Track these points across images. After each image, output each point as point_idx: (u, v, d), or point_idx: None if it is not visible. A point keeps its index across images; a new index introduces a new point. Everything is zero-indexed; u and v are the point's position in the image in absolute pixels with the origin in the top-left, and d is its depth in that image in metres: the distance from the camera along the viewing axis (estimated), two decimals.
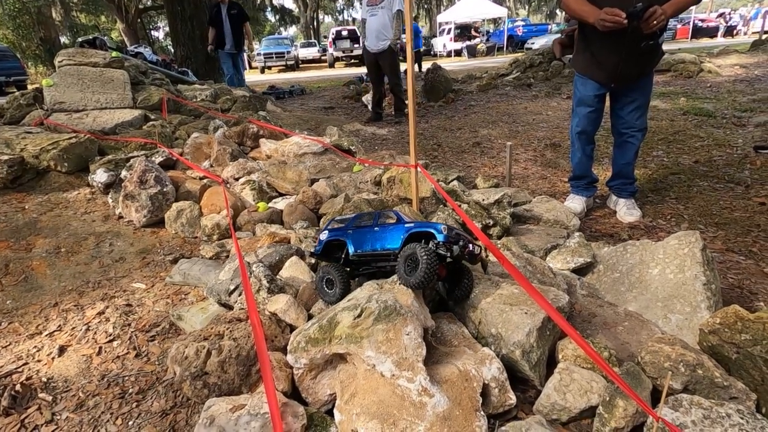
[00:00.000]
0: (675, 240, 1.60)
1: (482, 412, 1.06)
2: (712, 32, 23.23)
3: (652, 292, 1.55)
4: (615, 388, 1.03)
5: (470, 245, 1.34)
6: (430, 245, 1.30)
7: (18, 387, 1.45)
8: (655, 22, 1.96)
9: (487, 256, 1.82)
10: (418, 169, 2.05)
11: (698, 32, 23.07)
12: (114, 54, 4.28)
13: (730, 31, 23.60)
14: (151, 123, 3.90)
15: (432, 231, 1.32)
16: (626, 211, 2.61)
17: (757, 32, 16.85)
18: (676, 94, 6.09)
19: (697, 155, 3.60)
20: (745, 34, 22.96)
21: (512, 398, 1.13)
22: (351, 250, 1.49)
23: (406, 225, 1.40)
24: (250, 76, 18.11)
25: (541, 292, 1.27)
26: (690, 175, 3.20)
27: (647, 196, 2.92)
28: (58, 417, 1.36)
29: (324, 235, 1.61)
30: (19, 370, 1.56)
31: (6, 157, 2.84)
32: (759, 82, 6.55)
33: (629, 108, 2.43)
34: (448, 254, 1.29)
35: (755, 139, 3.78)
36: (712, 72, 7.44)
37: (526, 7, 43.49)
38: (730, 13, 26.44)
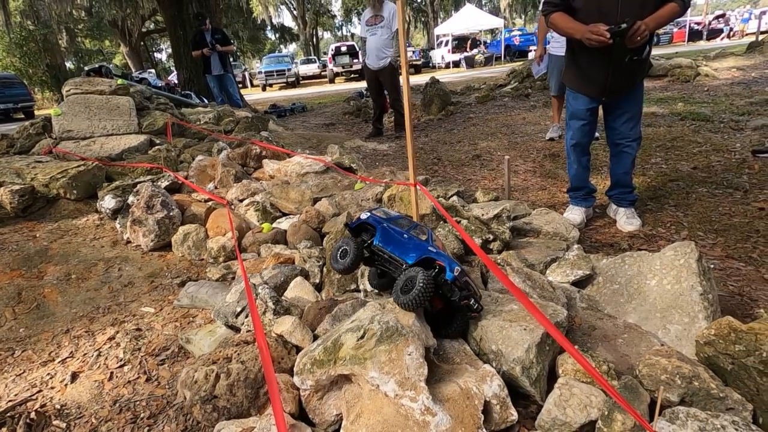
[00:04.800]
0: (671, 251, 1.63)
1: (484, 430, 1.09)
2: (716, 34, 23.14)
3: (651, 303, 1.58)
4: (613, 402, 1.06)
5: (471, 299, 1.35)
6: (438, 276, 1.34)
7: (33, 415, 1.49)
8: (638, 38, 2.01)
9: (487, 271, 1.85)
10: (418, 187, 2.09)
11: (700, 35, 23.05)
12: (119, 81, 4.40)
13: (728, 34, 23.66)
14: (156, 147, 3.99)
15: (445, 266, 1.34)
16: (626, 220, 2.64)
17: (752, 33, 16.92)
18: (674, 99, 6.13)
19: (696, 161, 3.62)
20: (738, 36, 23.01)
21: (514, 414, 1.15)
22: (376, 240, 1.56)
23: (429, 248, 1.43)
24: (252, 95, 18.39)
25: (539, 308, 1.30)
26: (689, 181, 3.23)
27: (646, 204, 2.95)
28: None
29: (364, 215, 1.68)
30: (34, 397, 1.60)
31: (17, 187, 2.93)
32: (756, 84, 6.59)
33: (622, 119, 2.48)
34: (448, 295, 1.33)
35: (753, 143, 3.80)
36: (709, 76, 7.49)
37: (523, 17, 43.97)
38: (725, 15, 26.48)
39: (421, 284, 1.25)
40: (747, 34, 21.32)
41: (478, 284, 1.77)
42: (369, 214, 1.67)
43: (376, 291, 1.77)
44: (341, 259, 1.57)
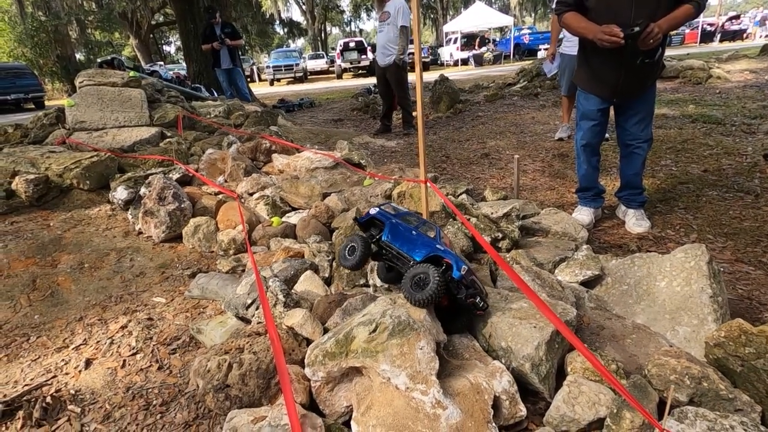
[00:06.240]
0: (681, 253, 1.64)
1: (494, 424, 1.10)
2: (734, 35, 22.75)
3: (660, 305, 1.58)
4: (622, 400, 1.07)
5: (477, 298, 1.37)
6: (445, 273, 1.35)
7: (48, 399, 1.53)
8: (651, 41, 2.00)
9: (496, 269, 1.86)
10: (428, 184, 2.10)
11: (712, 36, 22.74)
12: (131, 74, 4.43)
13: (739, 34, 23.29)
14: (167, 140, 4.02)
15: (452, 264, 1.36)
16: (635, 222, 2.64)
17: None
18: (685, 101, 6.08)
19: (706, 164, 3.60)
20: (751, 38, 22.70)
21: (522, 410, 1.17)
22: (384, 236, 1.59)
23: (437, 246, 1.45)
24: (260, 89, 18.42)
25: (549, 306, 1.31)
26: (699, 184, 3.21)
27: (656, 206, 2.94)
28: (87, 428, 1.43)
29: (373, 211, 1.71)
30: (49, 382, 1.64)
31: (32, 176, 2.97)
32: None
33: (633, 120, 2.47)
34: (455, 292, 1.35)
35: (765, 147, 3.77)
36: (721, 78, 7.41)
37: (532, 15, 43.65)
38: (739, 17, 26.03)
39: (436, 283, 1.27)
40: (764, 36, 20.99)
41: (487, 282, 1.78)
42: (378, 209, 1.70)
43: (386, 286, 1.79)
44: (349, 256, 1.61)
